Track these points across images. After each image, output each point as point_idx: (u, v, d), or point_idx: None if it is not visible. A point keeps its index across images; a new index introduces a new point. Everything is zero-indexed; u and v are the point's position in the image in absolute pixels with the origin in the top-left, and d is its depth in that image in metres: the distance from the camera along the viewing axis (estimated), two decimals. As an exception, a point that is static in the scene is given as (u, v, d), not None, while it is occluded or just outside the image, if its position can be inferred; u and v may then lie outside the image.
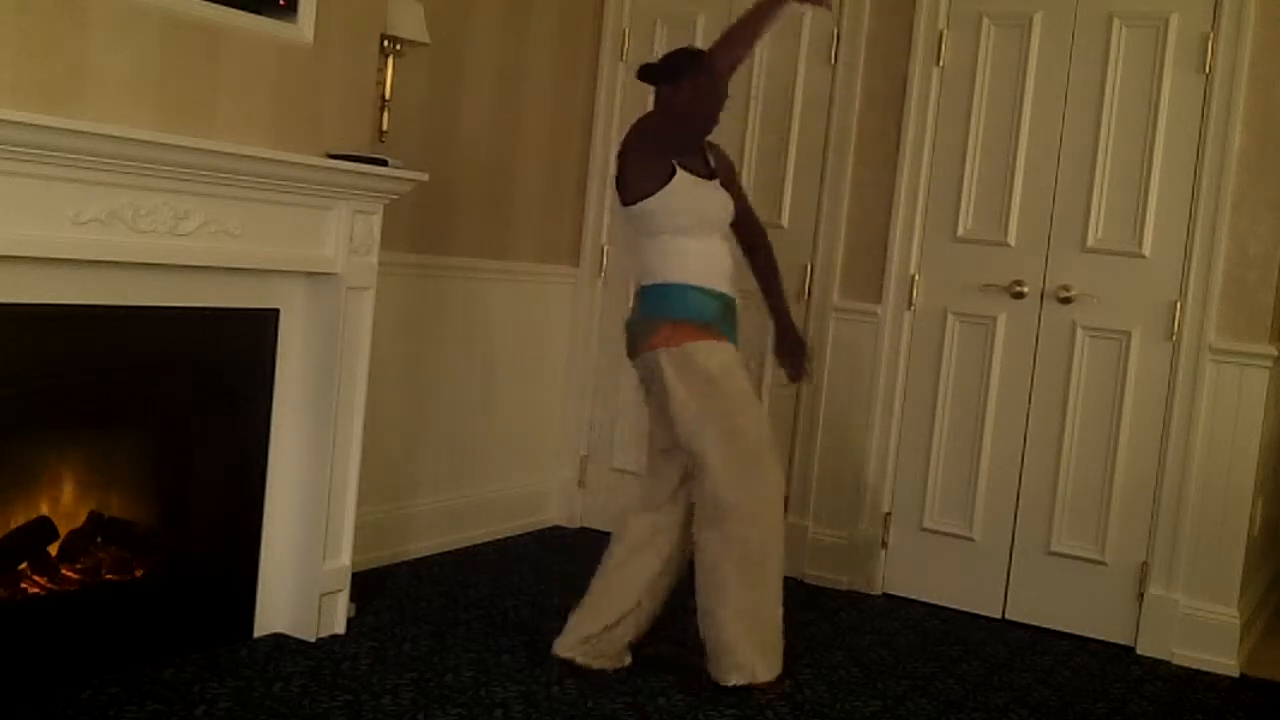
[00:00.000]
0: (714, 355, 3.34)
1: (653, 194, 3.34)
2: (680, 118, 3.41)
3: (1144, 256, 4.16)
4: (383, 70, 3.89)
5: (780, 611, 3.42)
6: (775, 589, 3.40)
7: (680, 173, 3.37)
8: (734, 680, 3.36)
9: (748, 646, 3.36)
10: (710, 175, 3.50)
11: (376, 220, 3.52)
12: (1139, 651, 4.12)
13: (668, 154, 3.38)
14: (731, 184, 3.59)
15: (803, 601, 4.31)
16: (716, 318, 3.39)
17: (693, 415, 3.33)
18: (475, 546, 4.65)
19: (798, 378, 3.77)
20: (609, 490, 5.04)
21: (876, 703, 3.47)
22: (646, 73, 3.47)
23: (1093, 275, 4.23)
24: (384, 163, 3.44)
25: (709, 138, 3.54)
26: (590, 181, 5.07)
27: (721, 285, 3.43)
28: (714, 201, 3.47)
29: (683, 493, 3.47)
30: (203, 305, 3.23)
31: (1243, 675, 4.00)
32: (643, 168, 3.36)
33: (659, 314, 3.38)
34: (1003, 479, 4.37)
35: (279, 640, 3.46)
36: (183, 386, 3.32)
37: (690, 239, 3.40)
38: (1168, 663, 4.05)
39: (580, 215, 5.09)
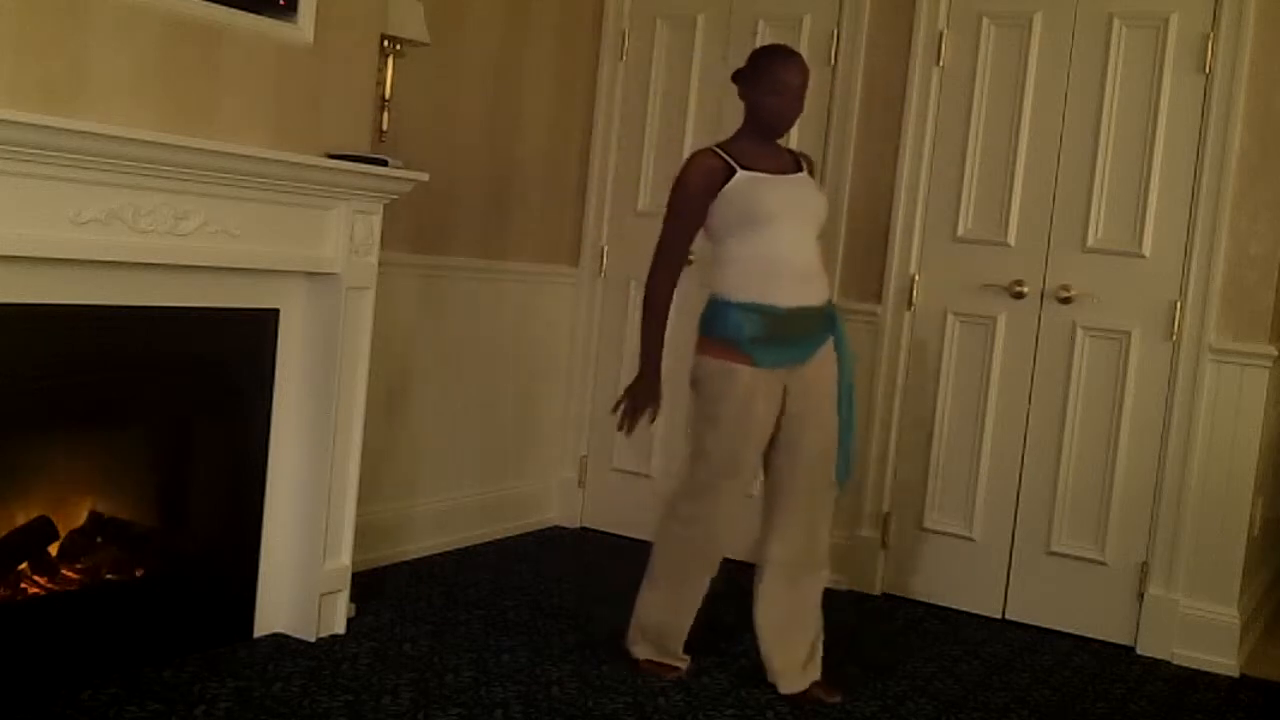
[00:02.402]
0: (728, 378, 3.31)
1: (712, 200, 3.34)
2: (751, 118, 3.40)
3: (1144, 256, 4.16)
4: (383, 70, 3.88)
5: (688, 613, 3.50)
6: (690, 596, 3.48)
7: (740, 172, 3.31)
8: (635, 654, 3.54)
9: (646, 629, 3.52)
10: (788, 172, 3.40)
11: (376, 220, 3.52)
12: (1139, 651, 4.12)
13: (730, 153, 3.36)
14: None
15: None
16: (751, 337, 3.29)
17: (691, 420, 3.43)
18: (475, 546, 4.65)
19: None
20: (609, 490, 5.05)
21: (876, 703, 3.47)
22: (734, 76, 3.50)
23: (1093, 275, 4.23)
24: (384, 163, 3.44)
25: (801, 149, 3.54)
26: (590, 181, 5.07)
27: (776, 296, 3.29)
28: (782, 193, 3.34)
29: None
30: (203, 305, 3.23)
31: (1243, 675, 4.00)
32: (701, 177, 3.34)
33: (702, 329, 3.39)
34: (1003, 479, 4.37)
35: (279, 640, 3.46)
36: (183, 386, 3.32)
37: (750, 237, 3.31)
38: (1168, 663, 4.05)
39: (580, 215, 5.09)
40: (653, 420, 3.43)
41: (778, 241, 3.31)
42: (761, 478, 3.48)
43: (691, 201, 3.34)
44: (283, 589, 3.50)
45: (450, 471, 4.61)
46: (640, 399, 3.40)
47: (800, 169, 3.46)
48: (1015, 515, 4.35)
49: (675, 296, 3.41)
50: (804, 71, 3.39)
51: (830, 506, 3.47)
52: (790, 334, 3.34)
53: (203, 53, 3.12)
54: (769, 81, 3.35)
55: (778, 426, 3.38)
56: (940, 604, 4.43)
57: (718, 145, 3.41)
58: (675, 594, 3.49)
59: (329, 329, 3.47)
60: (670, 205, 3.40)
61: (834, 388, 3.41)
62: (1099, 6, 4.21)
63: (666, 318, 3.40)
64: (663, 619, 3.51)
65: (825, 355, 3.41)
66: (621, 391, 3.46)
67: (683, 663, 3.53)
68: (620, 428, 3.42)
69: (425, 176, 3.55)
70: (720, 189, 3.31)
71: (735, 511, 3.41)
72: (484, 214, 4.62)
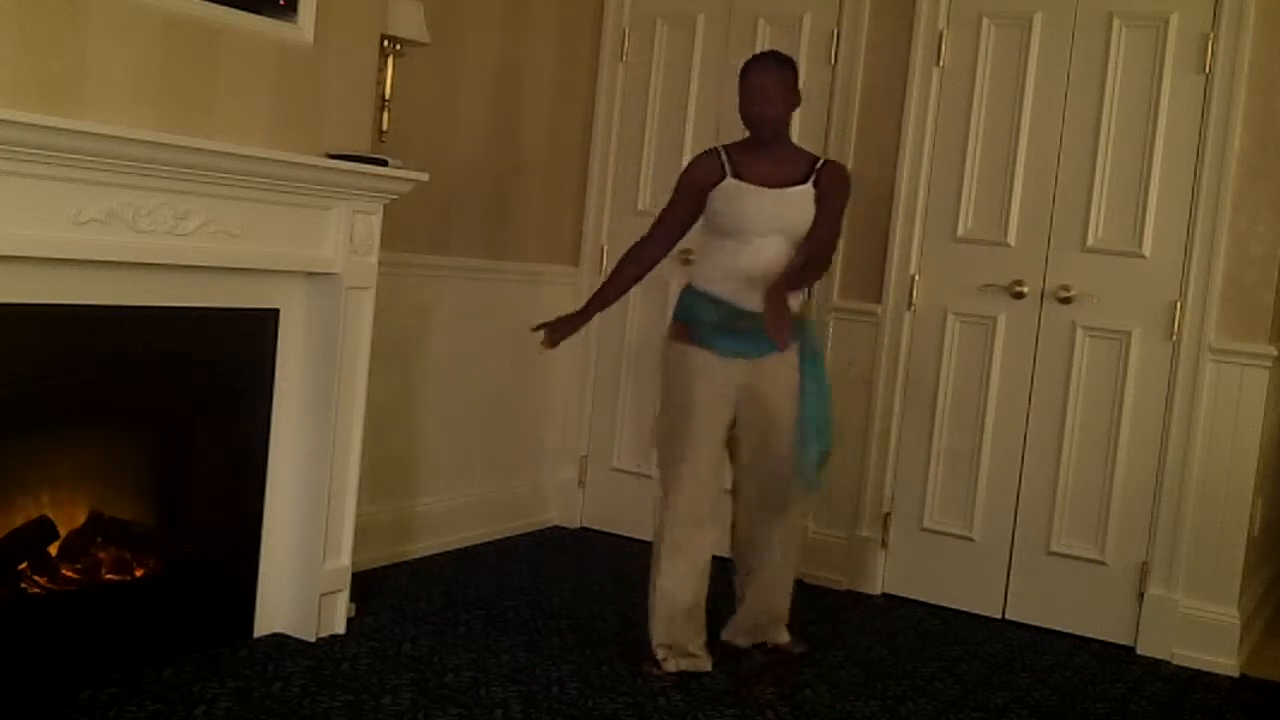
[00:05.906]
0: (685, 358, 3.51)
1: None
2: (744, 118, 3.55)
3: (1144, 256, 4.16)
4: (383, 70, 3.88)
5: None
6: (672, 574, 3.52)
7: (729, 180, 3.48)
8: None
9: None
10: (785, 184, 3.48)
11: (376, 220, 3.52)
12: (1139, 651, 4.12)
13: (731, 157, 3.52)
14: (825, 204, 3.52)
15: (803, 601, 4.31)
16: (712, 324, 3.48)
17: (659, 399, 3.62)
18: (475, 546, 4.65)
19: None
20: (609, 490, 5.04)
21: (876, 703, 3.47)
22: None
23: (1093, 275, 4.23)
24: (384, 163, 3.44)
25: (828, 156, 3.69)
26: (590, 181, 5.07)
27: (729, 293, 3.47)
28: (761, 207, 3.47)
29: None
30: (203, 305, 3.23)
31: (1243, 675, 4.00)
32: (699, 171, 3.56)
33: (674, 313, 3.60)
34: (1003, 479, 4.37)
35: (279, 640, 3.46)
36: (183, 386, 3.32)
37: (726, 239, 3.51)
38: (1168, 663, 4.05)
39: (580, 215, 5.08)
40: (553, 345, 3.62)
41: (744, 250, 3.48)
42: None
43: (686, 189, 3.57)
44: (283, 589, 3.50)
45: (450, 471, 4.60)
46: (562, 326, 3.61)
47: (805, 181, 3.50)
48: (1015, 515, 4.35)
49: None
50: (770, 70, 3.49)
51: (789, 507, 3.69)
52: (744, 329, 3.45)
53: (202, 52, 3.12)
54: (740, 89, 3.51)
55: (736, 424, 3.55)
56: (940, 604, 4.43)
57: (724, 147, 3.58)
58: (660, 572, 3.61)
59: (329, 329, 3.47)
60: (673, 189, 3.63)
61: (793, 393, 3.53)
62: (1099, 6, 4.21)
63: (627, 279, 3.67)
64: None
65: (784, 360, 3.47)
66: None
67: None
68: (543, 342, 3.64)
69: (425, 176, 3.56)
70: (714, 187, 3.50)
71: (694, 504, 3.50)
72: (484, 214, 4.62)
